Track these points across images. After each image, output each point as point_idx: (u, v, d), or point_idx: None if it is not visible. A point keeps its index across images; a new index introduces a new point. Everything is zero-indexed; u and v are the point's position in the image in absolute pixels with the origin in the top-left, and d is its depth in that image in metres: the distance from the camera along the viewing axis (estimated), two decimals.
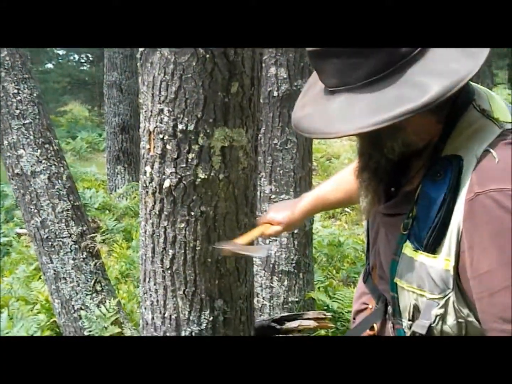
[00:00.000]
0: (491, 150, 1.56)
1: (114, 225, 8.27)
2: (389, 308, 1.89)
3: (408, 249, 1.69)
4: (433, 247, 1.61)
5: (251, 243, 2.32)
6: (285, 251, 4.52)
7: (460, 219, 1.56)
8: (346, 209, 9.88)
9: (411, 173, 1.78)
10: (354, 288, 5.42)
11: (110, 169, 10.44)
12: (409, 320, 1.77)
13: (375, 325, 2.01)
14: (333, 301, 4.75)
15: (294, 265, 4.55)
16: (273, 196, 4.44)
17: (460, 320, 1.64)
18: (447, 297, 1.62)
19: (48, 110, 4.70)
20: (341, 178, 2.43)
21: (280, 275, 4.55)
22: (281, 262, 4.54)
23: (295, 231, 4.49)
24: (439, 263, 1.60)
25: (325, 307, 4.72)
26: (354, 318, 2.19)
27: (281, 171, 4.44)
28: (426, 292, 1.66)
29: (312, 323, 3.24)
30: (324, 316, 3.26)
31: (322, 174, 11.79)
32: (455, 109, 1.68)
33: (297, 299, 4.59)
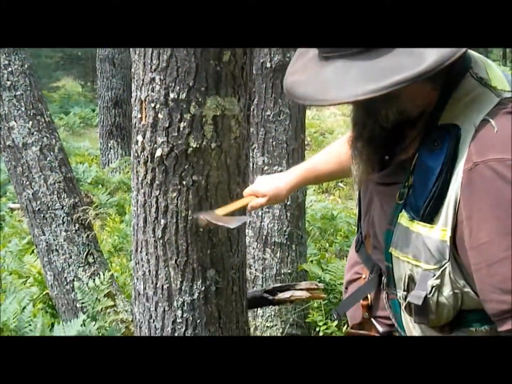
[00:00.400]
0: (490, 120, 1.56)
1: (107, 200, 8.26)
2: (384, 278, 1.89)
3: (403, 219, 1.69)
4: (429, 217, 1.62)
5: (232, 214, 2.33)
6: (277, 222, 4.51)
7: (458, 189, 1.56)
8: (340, 183, 9.88)
9: (406, 142, 1.77)
10: (345, 260, 5.40)
11: (103, 144, 10.42)
12: (404, 291, 1.77)
13: (369, 295, 2.02)
14: (326, 273, 4.76)
15: (286, 236, 4.53)
16: (265, 168, 4.42)
17: (456, 291, 1.65)
18: (443, 267, 1.62)
19: (40, 85, 4.67)
20: (333, 150, 2.42)
21: (272, 246, 4.53)
22: (274, 234, 4.52)
23: (288, 203, 4.48)
24: (436, 233, 1.61)
25: (318, 279, 4.74)
26: (346, 288, 2.20)
27: (273, 143, 4.41)
28: (422, 263, 1.66)
29: (304, 294, 3.23)
30: (316, 287, 3.25)
31: (316, 149, 11.75)
32: (451, 77, 1.67)
33: (289, 271, 4.57)
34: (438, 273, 1.63)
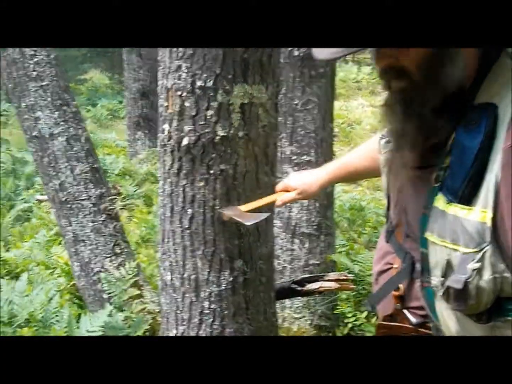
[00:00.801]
0: None
1: (135, 191, 8.29)
2: (417, 266, 1.87)
3: (440, 202, 1.67)
4: (468, 199, 1.59)
5: (259, 210, 2.34)
6: (306, 213, 4.46)
7: (498, 168, 1.52)
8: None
9: (439, 124, 1.72)
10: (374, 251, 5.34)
11: (130, 135, 10.47)
12: (441, 277, 1.72)
13: (400, 285, 1.99)
14: (355, 263, 4.70)
15: (315, 227, 4.48)
16: (294, 157, 4.37)
17: (496, 275, 1.60)
18: (484, 250, 1.58)
19: (68, 78, 4.65)
20: (366, 147, 2.41)
21: (301, 237, 4.48)
22: (302, 224, 4.47)
23: None
24: (475, 215, 1.57)
25: (347, 270, 4.67)
26: (376, 279, 2.18)
27: (302, 132, 4.36)
28: (461, 247, 1.62)
29: (333, 285, 3.20)
30: (346, 278, 3.21)
31: (344, 140, 11.72)
32: (487, 55, 1.65)
33: (318, 262, 4.52)
34: (478, 256, 1.59)
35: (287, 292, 3.28)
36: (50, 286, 4.28)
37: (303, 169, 4.23)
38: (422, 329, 1.96)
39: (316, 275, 3.37)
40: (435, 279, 1.75)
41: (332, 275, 3.25)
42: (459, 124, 1.63)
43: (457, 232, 1.62)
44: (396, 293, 2.01)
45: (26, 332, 3.42)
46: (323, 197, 4.51)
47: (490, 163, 1.54)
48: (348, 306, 4.28)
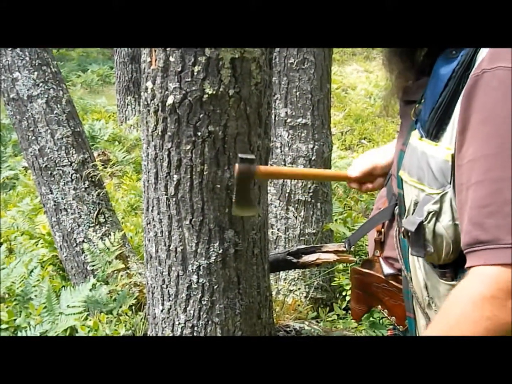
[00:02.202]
0: None
1: (124, 157, 8.17)
2: (396, 207, 1.78)
3: (414, 137, 1.60)
4: (435, 133, 1.51)
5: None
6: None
7: None
8: (363, 140, 9.83)
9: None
10: None
11: (120, 100, 10.36)
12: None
13: (382, 229, 1.94)
14: (352, 231, 4.52)
15: (311, 194, 4.30)
16: (288, 120, 4.18)
17: (458, 222, 1.50)
18: (444, 192, 1.51)
19: None
20: None
21: (296, 205, 4.30)
22: (298, 191, 4.28)
23: (313, 158, 4.25)
24: (440, 152, 1.50)
25: (344, 240, 4.49)
26: None
27: (297, 93, 4.16)
28: (426, 187, 1.56)
29: (332, 257, 3.07)
30: (345, 249, 3.05)
31: (338, 106, 11.65)
32: None
33: (314, 231, 4.35)
34: (437, 197, 1.51)
35: (282, 264, 3.16)
36: (31, 257, 4.09)
37: (299, 133, 4.15)
38: (393, 282, 1.89)
39: (313, 246, 3.24)
40: None
41: (331, 246, 3.12)
42: (442, 54, 1.54)
43: (424, 170, 1.55)
44: (378, 238, 1.94)
45: (3, 308, 3.24)
46: (320, 162, 4.33)
47: (460, 95, 1.45)
48: (346, 278, 4.12)
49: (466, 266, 1.38)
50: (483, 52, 1.42)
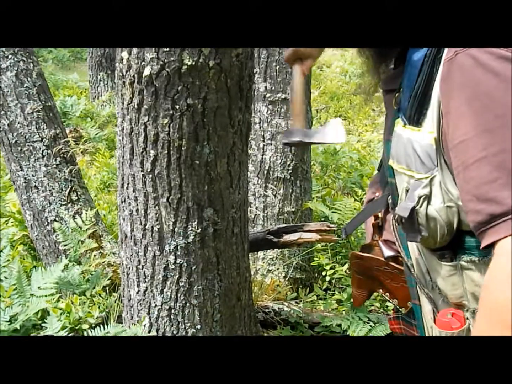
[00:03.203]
0: None
1: (97, 134, 8.09)
2: (390, 197, 1.81)
3: (398, 125, 1.62)
4: (416, 118, 1.54)
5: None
6: (280, 156, 4.18)
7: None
8: (338, 118, 9.80)
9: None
10: (352, 198, 5.18)
11: (92, 76, 10.32)
12: None
13: (379, 214, 1.94)
14: (333, 211, 4.47)
15: (290, 171, 4.21)
16: (268, 95, 4.09)
17: (449, 204, 1.53)
18: (432, 175, 1.53)
19: None
20: None
21: (275, 182, 4.22)
22: (277, 168, 4.20)
23: None
24: (424, 137, 1.52)
25: (324, 219, 4.46)
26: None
27: (277, 67, 4.05)
28: (414, 172, 1.58)
29: (314, 236, 3.02)
30: (328, 228, 3.03)
31: (313, 83, 11.63)
32: None
33: (293, 209, 4.27)
34: (426, 181, 1.54)
35: (262, 244, 3.13)
36: (0, 237, 3.97)
37: (278, 108, 4.08)
38: (393, 264, 1.89)
39: (294, 225, 3.19)
40: None
41: (313, 225, 3.06)
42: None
43: (411, 157, 1.57)
44: (375, 222, 1.95)
45: None
46: None
47: (436, 79, 1.47)
48: (326, 258, 4.05)
49: (485, 244, 1.35)
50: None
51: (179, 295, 2.49)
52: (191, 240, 2.40)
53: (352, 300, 2.31)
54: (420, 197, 1.54)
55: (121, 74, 2.25)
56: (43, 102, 3.78)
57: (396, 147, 1.63)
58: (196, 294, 2.49)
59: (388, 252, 1.90)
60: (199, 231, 2.39)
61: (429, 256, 1.67)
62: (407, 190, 1.61)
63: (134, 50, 2.15)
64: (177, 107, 2.18)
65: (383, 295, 1.98)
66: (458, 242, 1.58)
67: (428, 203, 1.54)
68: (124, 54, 2.19)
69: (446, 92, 1.43)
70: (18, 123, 3.70)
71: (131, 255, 2.53)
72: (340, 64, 13.76)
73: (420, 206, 1.54)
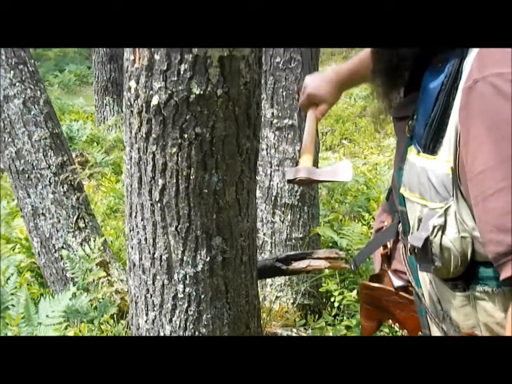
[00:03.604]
0: None
1: (103, 158, 8.18)
2: (400, 225, 1.82)
3: (412, 153, 1.62)
4: (431, 147, 1.53)
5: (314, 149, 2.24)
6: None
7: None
8: (344, 141, 9.88)
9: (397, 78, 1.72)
10: (360, 222, 5.24)
11: (98, 100, 10.45)
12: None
13: (388, 243, 1.96)
14: (341, 237, 4.47)
15: (298, 197, 4.22)
16: (275, 121, 4.10)
17: (464, 234, 1.52)
18: (447, 205, 1.52)
19: None
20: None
21: (283, 208, 4.23)
22: (284, 194, 4.21)
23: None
24: (439, 166, 1.51)
25: (332, 244, 4.47)
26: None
27: (284, 93, 4.07)
28: (428, 202, 1.57)
29: (323, 263, 2.99)
30: (337, 256, 3.01)
31: None
32: None
33: (301, 235, 4.28)
34: (441, 211, 1.53)
35: (271, 271, 3.09)
36: (8, 264, 3.98)
37: (285, 134, 4.07)
38: (403, 293, 1.90)
39: (303, 252, 3.16)
40: None
41: (322, 253, 3.04)
42: (428, 68, 1.56)
43: (425, 186, 1.56)
44: (384, 252, 1.96)
45: None
46: None
47: (454, 107, 1.47)
48: (334, 283, 4.05)
49: (505, 276, 1.36)
50: (469, 62, 1.44)
51: (188, 324, 2.47)
52: (200, 269, 2.39)
53: (361, 329, 2.30)
54: (434, 227, 1.52)
55: (129, 103, 2.24)
56: (50, 129, 3.82)
57: (409, 175, 1.62)
58: (205, 323, 2.48)
59: (398, 282, 1.89)
60: (208, 259, 2.38)
61: (440, 285, 1.65)
62: (419, 219, 1.60)
63: (142, 79, 2.14)
64: (186, 136, 2.17)
65: (393, 325, 1.98)
66: (472, 272, 1.56)
67: (443, 233, 1.52)
68: (132, 83, 2.18)
69: (465, 121, 1.41)
70: (26, 150, 3.74)
71: (140, 284, 2.51)
72: None
73: (435, 236, 1.53)
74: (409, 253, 1.68)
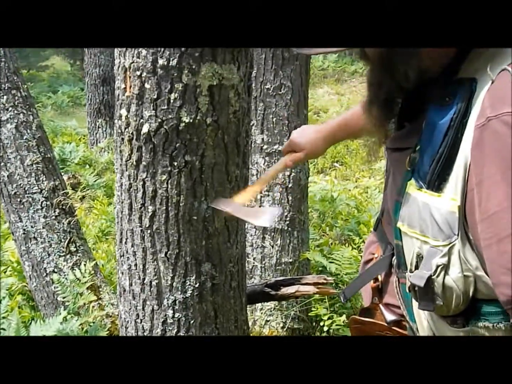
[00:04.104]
0: (509, 68, 1.37)
1: (95, 181, 8.12)
2: (394, 258, 1.75)
3: (412, 187, 1.58)
4: (437, 184, 1.48)
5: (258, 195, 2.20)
6: (278, 206, 4.20)
7: (469, 149, 1.42)
8: (336, 164, 9.87)
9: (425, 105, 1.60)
10: (350, 246, 5.21)
11: (91, 123, 10.42)
12: (411, 272, 1.60)
13: (379, 276, 1.93)
14: (330, 262, 4.48)
15: (288, 222, 4.24)
16: (265, 147, 4.13)
17: (467, 273, 1.49)
18: (451, 244, 1.47)
19: (29, 64, 4.37)
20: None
21: (272, 233, 4.25)
22: (274, 220, 4.21)
23: (289, 185, 4.21)
24: (444, 204, 1.47)
25: (321, 269, 4.48)
26: (361, 270, 2.13)
27: (274, 119, 4.11)
28: (430, 239, 1.52)
29: (311, 289, 3.01)
30: (325, 281, 3.02)
31: None
32: None
33: (291, 260, 4.29)
34: (445, 250, 1.48)
35: (260, 297, 3.10)
36: None
37: (275, 160, 4.10)
38: (396, 328, 1.88)
39: (292, 278, 3.18)
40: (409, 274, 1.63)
41: (310, 278, 3.05)
42: (434, 101, 1.52)
43: (426, 222, 1.52)
44: (374, 285, 1.93)
45: None
46: (297, 189, 4.28)
47: (462, 143, 1.43)
48: (323, 308, 4.06)
49: None
50: (480, 98, 1.40)
51: None
52: (189, 294, 2.39)
53: None
54: (438, 266, 1.49)
55: (120, 131, 2.27)
56: (42, 154, 3.83)
57: (408, 210, 1.58)
58: None
59: (390, 317, 1.87)
60: (197, 285, 2.38)
61: (438, 321, 1.63)
62: (418, 255, 1.56)
63: (133, 108, 2.17)
64: (175, 163, 2.19)
65: None
66: (473, 309, 1.54)
67: (446, 273, 1.49)
68: (123, 112, 2.21)
69: (478, 161, 1.38)
70: (18, 174, 3.75)
71: (130, 309, 2.52)
72: (337, 109, 13.78)
73: (437, 276, 1.50)
74: (407, 290, 1.64)
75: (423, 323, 1.69)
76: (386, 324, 1.88)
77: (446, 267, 1.49)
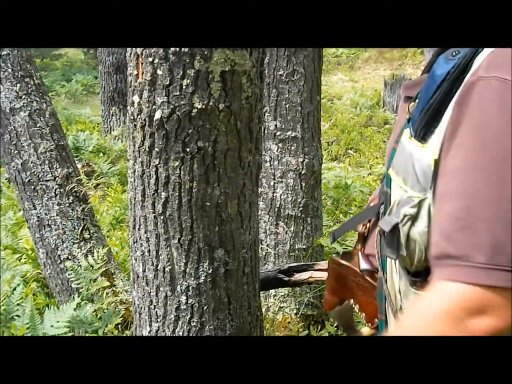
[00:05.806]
0: None
1: (109, 169, 8.12)
2: (382, 206, 1.74)
3: (405, 136, 1.57)
4: (422, 134, 1.47)
5: None
6: (291, 193, 4.20)
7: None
8: (349, 150, 9.84)
9: None
10: None
11: (104, 111, 10.39)
12: None
13: (368, 224, 1.92)
14: (344, 248, 4.47)
15: (301, 209, 4.23)
16: (278, 133, 4.12)
17: None
18: (424, 197, 1.46)
19: (43, 53, 4.37)
20: None
21: (286, 220, 4.23)
22: (287, 206, 4.22)
23: (303, 171, 4.20)
24: (426, 156, 1.45)
25: (335, 255, 4.43)
26: None
27: (287, 105, 4.09)
28: (408, 188, 1.52)
29: (325, 275, 2.94)
30: None
31: (324, 116, 11.60)
32: None
33: (304, 246, 4.28)
34: (416, 201, 1.46)
35: (273, 283, 3.11)
36: (13, 274, 4.00)
37: (288, 146, 4.10)
38: (368, 278, 1.87)
39: (305, 264, 3.17)
40: None
41: (323, 264, 3.05)
42: (442, 54, 1.50)
43: (408, 171, 1.51)
44: (362, 231, 1.94)
45: None
46: (310, 175, 4.26)
47: (453, 99, 1.40)
48: None
49: (430, 277, 1.35)
50: (481, 57, 1.38)
51: (190, 335, 2.48)
52: (202, 280, 2.39)
53: (323, 303, 2.29)
54: (405, 216, 1.48)
55: (132, 118, 2.26)
56: (56, 142, 3.83)
57: (398, 158, 1.59)
58: (208, 334, 2.49)
59: (364, 265, 1.89)
60: (210, 271, 2.39)
61: (403, 277, 1.62)
62: (398, 204, 1.56)
63: (145, 94, 2.16)
64: (188, 150, 2.19)
65: (353, 306, 1.97)
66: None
67: (412, 224, 1.47)
68: (135, 98, 2.20)
69: (457, 117, 1.36)
70: (31, 162, 3.76)
71: (143, 295, 2.53)
72: (351, 96, 13.73)
73: (404, 225, 1.48)
74: (379, 235, 1.67)
75: (393, 276, 1.68)
76: (358, 271, 1.89)
77: (414, 219, 1.47)
